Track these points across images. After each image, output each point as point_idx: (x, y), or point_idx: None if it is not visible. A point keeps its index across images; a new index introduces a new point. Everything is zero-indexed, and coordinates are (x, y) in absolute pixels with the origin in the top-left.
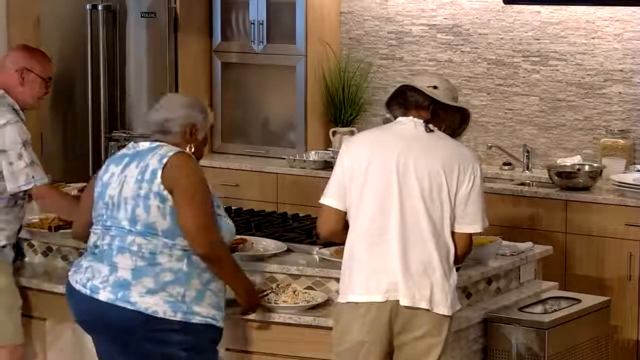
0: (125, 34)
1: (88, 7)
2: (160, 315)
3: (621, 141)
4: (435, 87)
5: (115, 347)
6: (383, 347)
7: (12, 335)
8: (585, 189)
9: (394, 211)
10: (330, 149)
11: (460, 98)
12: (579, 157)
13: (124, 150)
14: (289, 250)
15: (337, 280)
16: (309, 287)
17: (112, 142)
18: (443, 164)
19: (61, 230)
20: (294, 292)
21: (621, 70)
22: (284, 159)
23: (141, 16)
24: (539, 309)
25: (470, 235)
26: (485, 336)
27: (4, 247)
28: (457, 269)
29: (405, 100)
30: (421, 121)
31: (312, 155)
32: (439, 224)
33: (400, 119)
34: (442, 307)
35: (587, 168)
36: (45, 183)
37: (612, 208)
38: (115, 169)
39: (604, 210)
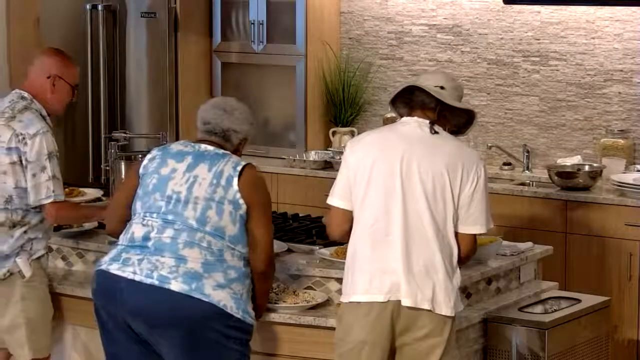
0: (125, 34)
1: (88, 7)
2: (228, 310)
3: (621, 141)
4: (442, 88)
5: (174, 340)
6: (384, 347)
7: (46, 346)
8: (585, 189)
9: (397, 212)
10: (330, 149)
11: None
12: (579, 157)
13: (178, 146)
14: (289, 250)
15: (337, 280)
16: (309, 287)
17: (112, 142)
18: (447, 165)
19: (62, 230)
20: (294, 292)
21: (621, 70)
22: (284, 159)
23: (141, 16)
24: (539, 309)
25: (474, 236)
26: (485, 336)
27: (41, 256)
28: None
29: (411, 100)
30: (426, 122)
31: (312, 155)
32: (442, 225)
33: (404, 119)
34: (445, 308)
35: (587, 168)
36: (61, 200)
37: (612, 208)
38: (176, 164)
39: (604, 210)
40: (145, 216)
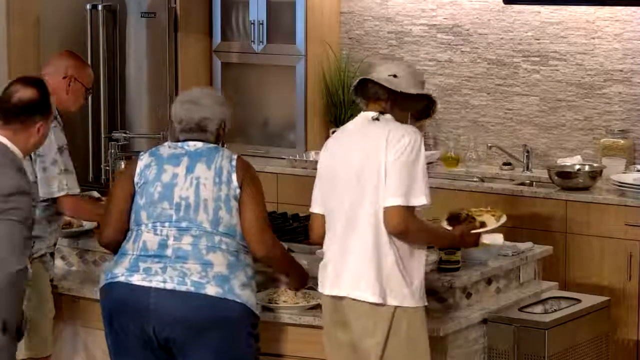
0: (125, 34)
1: (88, 7)
2: (253, 309)
3: (621, 141)
4: (395, 76)
5: (212, 342)
6: (340, 340)
7: (45, 347)
8: (585, 189)
9: (337, 206)
10: None
11: (460, 98)
12: (579, 157)
13: (168, 150)
14: (289, 250)
15: None
16: (309, 287)
17: (112, 142)
18: (376, 147)
19: (62, 230)
20: (294, 292)
21: (621, 70)
22: (284, 159)
23: (141, 16)
24: (539, 309)
25: (396, 209)
26: (485, 336)
27: (43, 255)
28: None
29: (366, 92)
30: (374, 114)
31: (312, 155)
32: (376, 208)
33: (360, 114)
34: (370, 295)
35: (587, 168)
36: (77, 193)
37: (612, 208)
38: (174, 169)
39: (604, 210)
40: (156, 225)
